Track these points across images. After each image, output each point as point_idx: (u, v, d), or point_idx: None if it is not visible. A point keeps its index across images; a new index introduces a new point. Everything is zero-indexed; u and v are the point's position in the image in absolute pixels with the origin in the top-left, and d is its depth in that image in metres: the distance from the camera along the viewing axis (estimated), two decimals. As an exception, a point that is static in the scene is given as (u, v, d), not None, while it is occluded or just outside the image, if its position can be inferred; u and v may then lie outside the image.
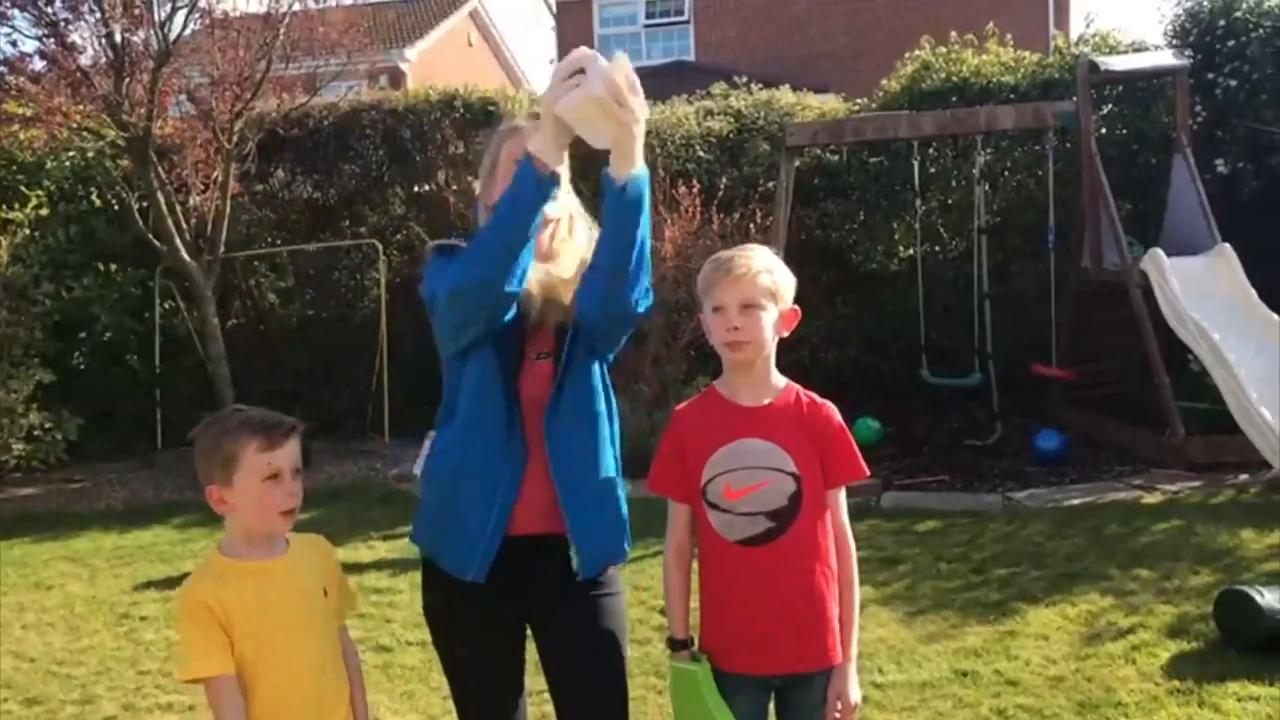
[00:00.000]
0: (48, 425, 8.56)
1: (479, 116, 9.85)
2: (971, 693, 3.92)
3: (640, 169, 2.19)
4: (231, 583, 2.17)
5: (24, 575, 6.15)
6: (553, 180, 2.18)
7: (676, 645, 2.38)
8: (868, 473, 2.42)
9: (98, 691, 4.39)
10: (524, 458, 2.33)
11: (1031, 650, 4.26)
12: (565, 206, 2.44)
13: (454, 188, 9.86)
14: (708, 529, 2.34)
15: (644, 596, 4.90)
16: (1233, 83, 8.70)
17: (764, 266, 2.32)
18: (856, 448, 2.39)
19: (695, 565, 2.42)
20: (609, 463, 2.45)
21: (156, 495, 8.15)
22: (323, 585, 2.30)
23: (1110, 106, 9.12)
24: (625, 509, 2.47)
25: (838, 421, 2.38)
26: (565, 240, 2.44)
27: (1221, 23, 8.84)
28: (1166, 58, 8.51)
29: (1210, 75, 8.79)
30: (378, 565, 5.73)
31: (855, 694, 2.32)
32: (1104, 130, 8.80)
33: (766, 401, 2.36)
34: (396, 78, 20.75)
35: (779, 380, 2.40)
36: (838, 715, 2.31)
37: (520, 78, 27.49)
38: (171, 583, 5.63)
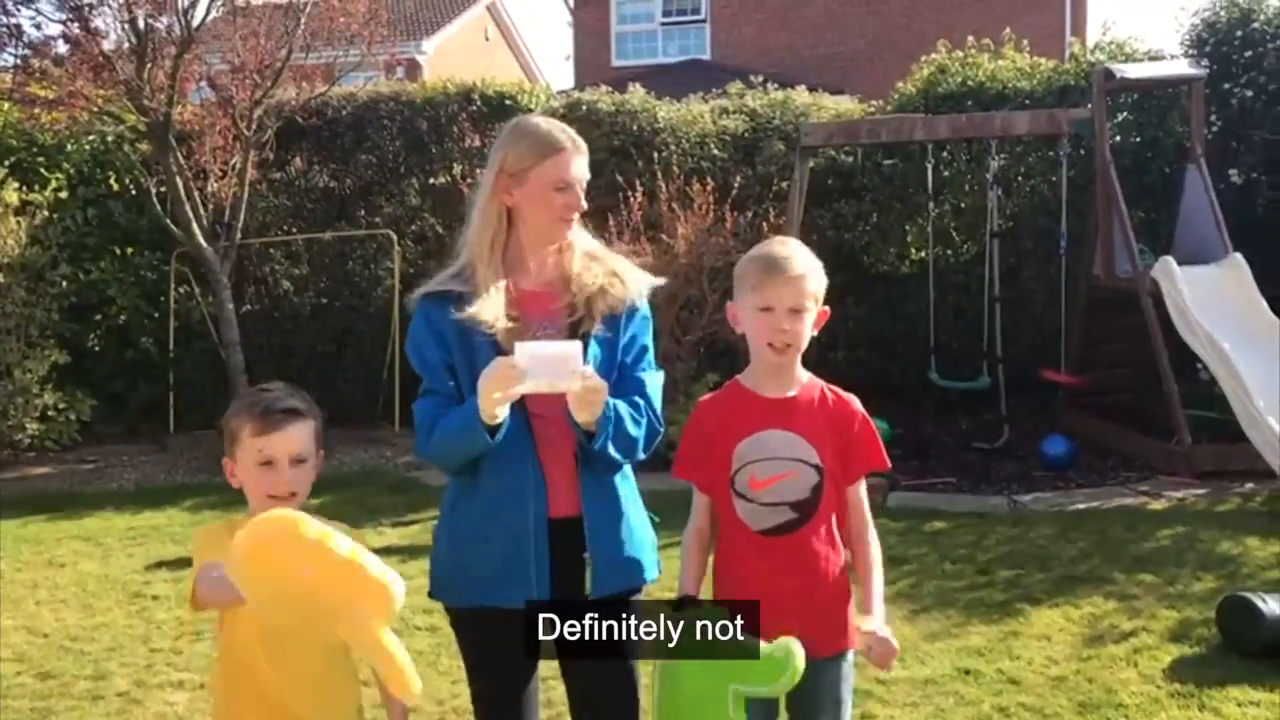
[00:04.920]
0: (62, 406, 8.66)
1: (496, 110, 9.89)
2: (974, 690, 3.97)
3: (595, 421, 2.22)
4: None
5: (37, 553, 6.22)
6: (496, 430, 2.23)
7: None
8: (889, 464, 2.45)
9: (110, 667, 4.45)
10: (539, 466, 2.33)
11: (1034, 650, 4.30)
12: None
13: (469, 180, 9.89)
14: (732, 518, 2.35)
15: (664, 581, 4.93)
16: (1249, 93, 8.72)
17: (812, 268, 2.31)
18: (880, 439, 2.43)
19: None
20: (630, 491, 2.45)
21: (169, 478, 8.23)
22: None
23: (1125, 114, 9.14)
24: (650, 531, 2.48)
25: (862, 413, 2.41)
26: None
27: (1239, 33, 8.85)
28: (1183, 66, 8.52)
29: (1226, 85, 8.81)
30: (387, 551, 5.73)
31: (893, 639, 2.27)
32: (1118, 138, 8.82)
33: (790, 394, 2.38)
34: (413, 69, 20.82)
35: (803, 374, 2.42)
36: (878, 653, 2.26)
37: (537, 73, 27.54)
38: (183, 563, 5.67)
